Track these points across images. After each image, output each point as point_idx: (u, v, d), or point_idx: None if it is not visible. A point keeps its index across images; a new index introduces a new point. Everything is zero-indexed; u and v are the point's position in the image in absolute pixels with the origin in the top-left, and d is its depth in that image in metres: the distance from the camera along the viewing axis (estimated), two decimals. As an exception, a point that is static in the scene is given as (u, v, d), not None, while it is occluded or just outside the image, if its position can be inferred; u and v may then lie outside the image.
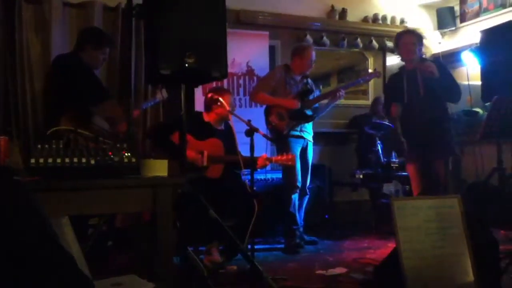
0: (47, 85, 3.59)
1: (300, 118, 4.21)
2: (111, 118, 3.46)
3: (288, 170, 4.14)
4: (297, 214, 4.23)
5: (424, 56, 4.03)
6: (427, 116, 3.80)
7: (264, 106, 4.42)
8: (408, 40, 3.93)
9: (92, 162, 1.89)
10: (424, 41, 6.24)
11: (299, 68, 4.37)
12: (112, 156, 1.93)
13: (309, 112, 4.28)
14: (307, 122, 4.31)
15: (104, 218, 3.21)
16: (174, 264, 2.19)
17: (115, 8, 4.49)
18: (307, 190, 4.36)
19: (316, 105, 4.42)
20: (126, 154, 1.96)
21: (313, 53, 4.41)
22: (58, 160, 1.85)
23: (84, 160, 1.88)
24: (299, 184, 4.19)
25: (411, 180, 4.02)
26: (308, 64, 4.38)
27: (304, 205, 4.36)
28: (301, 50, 4.42)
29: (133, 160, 1.97)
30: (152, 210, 1.99)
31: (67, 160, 1.86)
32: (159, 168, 2.09)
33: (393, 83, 4.08)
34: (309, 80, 4.45)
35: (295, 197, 4.19)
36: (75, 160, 1.87)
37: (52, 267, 1.11)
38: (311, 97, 4.33)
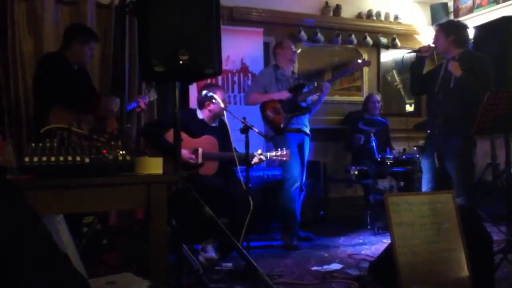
0: (34, 83, 3.59)
1: (295, 110, 4.23)
2: (100, 115, 3.46)
3: (287, 166, 4.14)
4: (297, 210, 4.23)
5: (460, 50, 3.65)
6: (449, 110, 3.63)
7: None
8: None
9: (87, 160, 1.88)
10: (419, 37, 6.35)
11: (284, 59, 4.44)
12: (106, 154, 1.93)
13: (303, 104, 4.30)
14: (303, 114, 4.33)
15: (99, 216, 3.20)
16: (168, 261, 2.19)
17: (108, 5, 4.46)
18: (303, 187, 4.37)
19: (309, 101, 4.42)
20: (120, 152, 1.96)
21: (291, 43, 4.54)
22: (52, 159, 1.84)
23: (78, 158, 1.88)
24: (299, 180, 4.20)
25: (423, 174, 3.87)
26: (290, 53, 4.45)
27: (300, 202, 4.36)
28: (279, 43, 4.62)
29: (128, 158, 1.97)
30: (146, 207, 1.99)
31: (61, 158, 1.85)
32: (154, 165, 2.09)
33: (432, 71, 3.90)
34: (299, 76, 4.51)
35: (295, 192, 4.20)
36: (69, 158, 1.86)
37: (45, 266, 1.10)
38: (304, 90, 4.35)
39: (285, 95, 4.25)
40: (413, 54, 3.91)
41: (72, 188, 1.85)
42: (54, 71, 3.33)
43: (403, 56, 3.98)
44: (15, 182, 1.68)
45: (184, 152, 3.44)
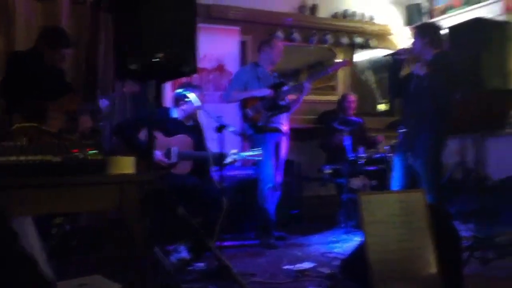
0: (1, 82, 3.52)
1: (274, 108, 4.24)
2: (71, 113, 3.41)
3: (262, 165, 4.15)
4: (269, 209, 4.23)
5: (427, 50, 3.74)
6: (421, 109, 3.72)
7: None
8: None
9: (56, 159, 1.85)
10: (394, 37, 6.43)
11: (269, 59, 4.42)
12: (76, 154, 1.90)
13: (283, 103, 4.31)
14: (282, 112, 4.34)
15: (69, 217, 3.15)
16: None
17: (84, 2, 4.39)
18: (279, 186, 4.36)
19: (287, 100, 4.44)
20: (91, 151, 1.93)
21: (281, 44, 4.50)
22: (22, 158, 1.81)
23: (48, 157, 1.85)
24: (272, 179, 4.21)
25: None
26: (277, 54, 4.43)
27: (275, 202, 4.36)
28: (269, 40, 4.56)
29: (99, 157, 1.95)
30: (118, 208, 1.97)
31: (30, 157, 1.82)
32: (126, 165, 2.06)
33: (410, 73, 3.93)
34: (279, 75, 4.51)
35: (269, 192, 4.20)
36: (39, 157, 1.83)
37: (10, 269, 1.09)
38: (284, 89, 4.36)
39: (265, 92, 4.25)
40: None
41: (41, 188, 1.82)
42: (23, 70, 3.26)
43: (382, 57, 4.04)
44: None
45: (157, 154, 3.41)
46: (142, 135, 3.43)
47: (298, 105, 4.56)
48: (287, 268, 3.29)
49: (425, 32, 3.78)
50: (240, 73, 4.53)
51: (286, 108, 4.34)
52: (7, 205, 1.63)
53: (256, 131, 4.22)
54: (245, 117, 4.30)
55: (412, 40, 3.86)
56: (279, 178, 4.35)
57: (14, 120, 2.94)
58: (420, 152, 3.66)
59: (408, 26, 6.41)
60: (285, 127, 4.42)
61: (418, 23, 6.24)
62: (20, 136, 1.89)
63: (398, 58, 3.83)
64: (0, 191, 1.69)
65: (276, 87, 4.27)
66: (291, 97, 4.51)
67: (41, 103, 3.22)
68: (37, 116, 2.97)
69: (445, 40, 3.80)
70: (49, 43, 3.47)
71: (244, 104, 4.32)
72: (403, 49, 3.90)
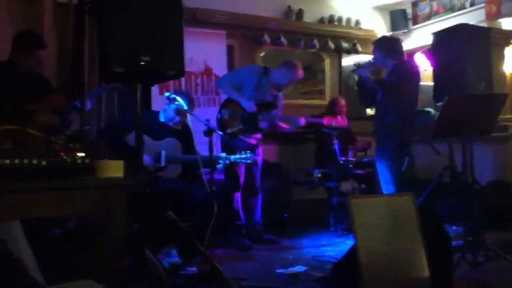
0: None
1: (249, 126, 4.17)
2: (58, 112, 3.35)
3: (230, 170, 4.06)
4: (240, 211, 4.22)
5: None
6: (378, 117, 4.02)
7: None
8: None
9: (43, 163, 1.81)
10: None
11: (281, 79, 4.30)
12: (64, 157, 1.86)
13: (261, 125, 4.26)
14: (253, 133, 4.27)
15: (58, 221, 3.09)
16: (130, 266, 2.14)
17: (67, 3, 4.34)
18: (259, 189, 4.34)
19: (265, 124, 4.36)
20: (79, 154, 1.89)
21: (301, 73, 4.35)
22: (7, 161, 1.76)
23: (35, 161, 1.80)
24: (241, 183, 4.18)
25: None
26: (291, 81, 4.37)
27: (258, 204, 4.34)
28: (295, 65, 4.32)
29: (87, 160, 1.91)
30: (105, 211, 1.93)
31: (16, 161, 1.77)
32: (114, 168, 2.02)
33: None
34: (280, 95, 4.44)
35: (237, 194, 4.18)
36: (25, 161, 1.79)
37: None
38: (273, 112, 4.31)
39: (250, 107, 4.15)
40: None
41: (28, 192, 1.77)
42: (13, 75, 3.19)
43: (350, 71, 4.22)
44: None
45: (146, 159, 3.36)
46: (130, 139, 3.39)
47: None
48: (279, 272, 3.26)
49: (383, 45, 4.02)
50: (245, 71, 4.41)
51: (260, 131, 4.29)
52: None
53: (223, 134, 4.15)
54: (219, 116, 4.23)
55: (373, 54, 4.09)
56: (258, 182, 4.33)
57: None
58: (378, 159, 3.92)
59: (392, 32, 6.48)
60: (257, 137, 4.33)
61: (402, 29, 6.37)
62: (5, 139, 1.83)
63: (361, 72, 4.01)
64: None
65: (265, 106, 4.20)
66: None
67: (26, 105, 3.16)
68: (22, 118, 2.91)
69: (402, 51, 4.05)
70: (20, 48, 3.35)
71: (226, 103, 4.27)
72: (366, 62, 4.08)
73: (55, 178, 1.82)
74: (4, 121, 2.83)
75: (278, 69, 4.34)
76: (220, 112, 4.27)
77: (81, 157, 1.90)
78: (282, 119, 4.45)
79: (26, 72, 3.37)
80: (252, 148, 4.15)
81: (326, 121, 4.43)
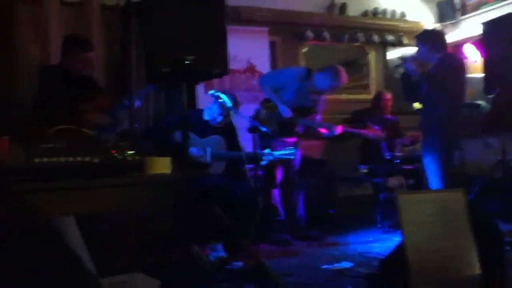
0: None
1: (284, 129, 4.15)
2: (106, 112, 3.47)
3: (267, 167, 4.04)
4: (279, 206, 4.21)
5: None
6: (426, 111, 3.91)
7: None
8: None
9: (96, 160, 1.88)
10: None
11: (324, 83, 4.25)
12: (115, 154, 1.93)
13: (298, 129, 4.25)
14: (287, 136, 4.22)
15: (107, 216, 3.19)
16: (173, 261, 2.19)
17: (114, 6, 4.46)
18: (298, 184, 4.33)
19: (301, 129, 4.35)
20: (129, 152, 1.96)
21: (345, 79, 4.29)
22: (62, 159, 1.84)
23: (88, 158, 1.88)
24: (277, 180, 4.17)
25: None
26: (333, 87, 4.31)
27: (300, 199, 4.33)
28: (338, 70, 4.24)
29: (137, 158, 1.97)
30: (153, 207, 1.98)
31: (70, 159, 1.85)
32: (162, 165, 2.08)
33: None
34: (322, 98, 4.40)
35: (275, 190, 4.17)
36: (79, 158, 1.86)
37: (56, 266, 1.11)
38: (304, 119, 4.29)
39: (286, 112, 4.15)
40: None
41: (82, 189, 1.85)
42: (52, 85, 3.33)
43: (395, 66, 4.12)
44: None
45: (194, 150, 3.44)
46: (176, 136, 3.46)
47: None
48: (324, 268, 3.25)
49: (427, 39, 3.92)
50: (288, 73, 4.38)
51: (295, 134, 4.26)
52: (48, 206, 1.67)
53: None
54: (256, 111, 4.24)
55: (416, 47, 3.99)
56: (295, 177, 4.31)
57: (52, 123, 3.00)
58: (425, 153, 3.81)
59: (440, 23, 6.29)
60: (291, 141, 4.26)
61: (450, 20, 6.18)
62: (60, 139, 1.91)
63: (407, 65, 3.91)
64: (41, 192, 1.72)
65: (304, 110, 4.19)
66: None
67: (77, 105, 3.28)
68: (75, 119, 3.03)
69: (446, 44, 3.94)
70: (68, 52, 3.48)
71: (265, 101, 4.28)
72: (410, 56, 3.97)
73: (107, 175, 1.89)
74: (58, 121, 2.98)
75: (321, 73, 4.28)
76: (260, 105, 4.30)
77: (131, 155, 1.96)
78: (318, 126, 4.42)
79: (76, 74, 3.49)
80: (294, 145, 4.15)
81: (363, 132, 4.38)
